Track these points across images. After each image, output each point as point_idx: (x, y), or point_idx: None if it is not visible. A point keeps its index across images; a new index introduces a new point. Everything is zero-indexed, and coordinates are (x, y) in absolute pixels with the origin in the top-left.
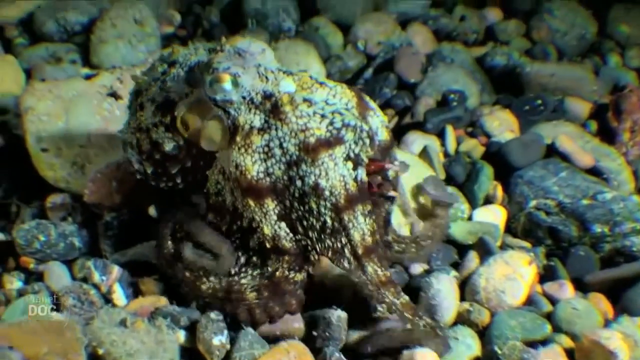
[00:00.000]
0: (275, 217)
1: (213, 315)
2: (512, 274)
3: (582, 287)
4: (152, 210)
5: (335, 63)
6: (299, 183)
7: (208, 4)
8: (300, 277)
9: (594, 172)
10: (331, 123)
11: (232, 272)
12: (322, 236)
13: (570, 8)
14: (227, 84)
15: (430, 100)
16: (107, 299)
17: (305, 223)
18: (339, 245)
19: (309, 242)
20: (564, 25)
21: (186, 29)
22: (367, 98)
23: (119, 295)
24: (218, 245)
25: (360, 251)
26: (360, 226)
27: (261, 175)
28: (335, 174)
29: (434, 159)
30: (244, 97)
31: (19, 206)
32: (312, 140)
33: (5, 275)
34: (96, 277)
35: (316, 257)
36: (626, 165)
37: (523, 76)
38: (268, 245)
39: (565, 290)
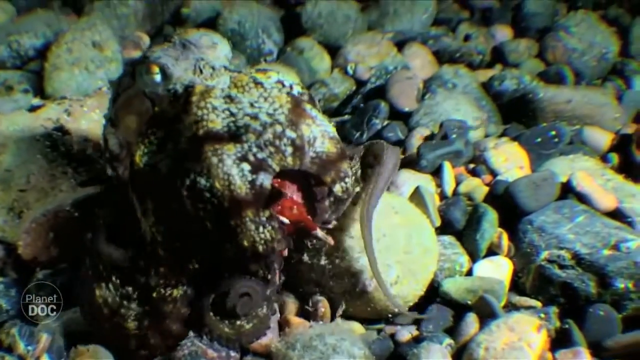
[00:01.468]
0: (153, 218)
1: None
2: (518, 342)
3: (601, 353)
4: None
5: (319, 90)
6: (178, 182)
7: (180, 25)
8: (177, 292)
9: (617, 215)
10: (234, 122)
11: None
12: (203, 243)
13: (589, 24)
14: (156, 75)
15: (426, 132)
16: None
17: (184, 228)
18: (225, 253)
19: (187, 251)
20: (582, 44)
21: None
22: (309, 106)
23: None
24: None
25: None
26: (250, 233)
27: (147, 168)
28: (218, 171)
29: (428, 203)
30: (168, 90)
31: None
32: (200, 132)
33: None
34: (21, 346)
35: (196, 265)
36: None
37: (536, 103)
38: (147, 249)
39: (582, 359)
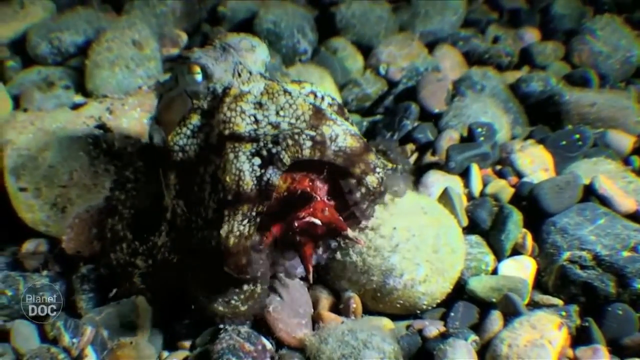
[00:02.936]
0: (174, 192)
1: None
2: (539, 340)
3: (619, 350)
4: None
5: (352, 90)
6: (201, 170)
7: (217, 23)
8: (176, 258)
9: (637, 217)
10: (256, 130)
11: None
12: (205, 226)
13: (614, 28)
14: (198, 75)
15: (455, 135)
16: None
17: (197, 209)
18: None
19: (196, 225)
20: (607, 48)
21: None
22: (330, 111)
23: None
24: None
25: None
26: (232, 223)
27: (176, 147)
28: (232, 167)
29: (456, 204)
30: (208, 88)
31: None
32: (226, 132)
33: None
34: (66, 339)
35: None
36: None
37: (561, 105)
38: (168, 217)
39: (600, 356)
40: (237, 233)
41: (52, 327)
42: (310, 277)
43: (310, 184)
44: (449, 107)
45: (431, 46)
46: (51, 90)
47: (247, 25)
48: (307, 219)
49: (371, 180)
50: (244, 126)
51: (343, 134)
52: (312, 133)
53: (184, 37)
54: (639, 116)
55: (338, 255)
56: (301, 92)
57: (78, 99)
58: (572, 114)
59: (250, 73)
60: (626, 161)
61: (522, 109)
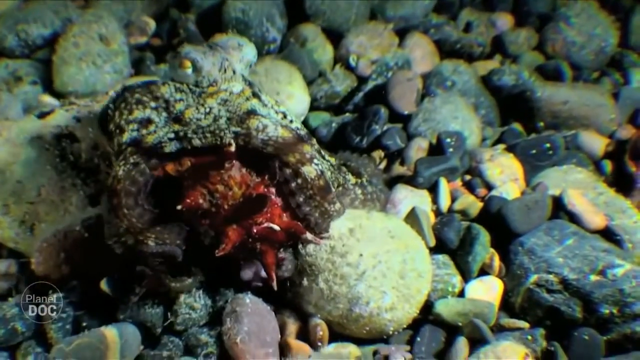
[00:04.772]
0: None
1: None
2: None
3: None
4: (104, 285)
5: (321, 86)
6: None
7: (186, 10)
8: None
9: (606, 232)
10: (199, 113)
11: None
12: None
13: (589, 15)
14: (188, 69)
15: (424, 143)
16: None
17: None
18: None
19: None
20: (581, 37)
21: (161, 37)
22: (261, 109)
23: None
24: None
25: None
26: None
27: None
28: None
29: (424, 224)
30: (196, 81)
31: None
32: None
33: None
34: None
35: None
36: None
37: (533, 102)
38: None
39: None
40: (114, 173)
41: (25, 355)
42: (275, 285)
43: (265, 190)
44: (419, 108)
45: (402, 34)
46: (18, 86)
47: (216, 12)
48: (266, 224)
49: (308, 170)
50: (193, 110)
51: (273, 125)
52: (237, 129)
53: (151, 25)
54: (612, 114)
55: (305, 281)
56: (273, 107)
57: (45, 99)
58: (544, 112)
59: (234, 72)
60: (598, 165)
61: (494, 103)
